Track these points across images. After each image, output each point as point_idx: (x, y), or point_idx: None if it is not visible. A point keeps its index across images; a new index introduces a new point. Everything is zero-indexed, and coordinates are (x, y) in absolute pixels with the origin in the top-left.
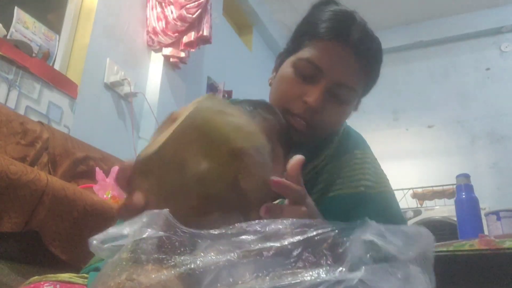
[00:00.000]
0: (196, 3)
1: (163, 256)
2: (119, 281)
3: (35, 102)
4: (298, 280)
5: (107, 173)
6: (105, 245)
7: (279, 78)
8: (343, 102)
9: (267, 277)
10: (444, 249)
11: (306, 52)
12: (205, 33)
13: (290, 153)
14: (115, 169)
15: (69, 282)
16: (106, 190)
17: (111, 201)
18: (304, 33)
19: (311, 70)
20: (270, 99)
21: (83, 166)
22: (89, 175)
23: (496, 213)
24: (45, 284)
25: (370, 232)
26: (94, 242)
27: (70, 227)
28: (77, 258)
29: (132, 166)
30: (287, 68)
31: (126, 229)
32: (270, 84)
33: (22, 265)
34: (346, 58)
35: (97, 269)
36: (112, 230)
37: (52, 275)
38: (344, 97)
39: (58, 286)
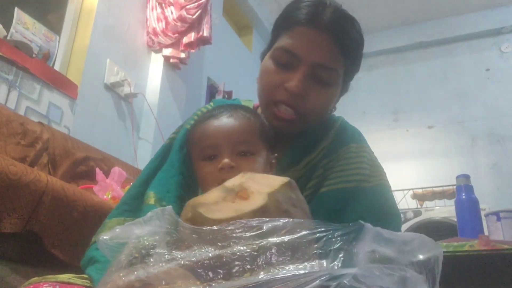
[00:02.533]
0: (196, 3)
1: (164, 251)
2: (126, 278)
3: (35, 102)
4: (292, 274)
5: (107, 173)
6: (112, 242)
7: (260, 72)
8: (326, 84)
9: (262, 272)
10: (444, 249)
11: (280, 42)
12: (205, 33)
13: (273, 148)
14: (115, 169)
15: (68, 283)
16: (106, 191)
17: (111, 201)
18: (279, 25)
19: (288, 57)
20: (258, 95)
21: (83, 167)
22: (89, 176)
23: (496, 213)
24: (44, 285)
25: (372, 241)
26: (102, 238)
27: (70, 228)
28: (76, 259)
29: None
30: (266, 60)
31: (133, 228)
32: (257, 83)
33: (22, 265)
34: (320, 40)
35: (91, 260)
36: (119, 229)
37: (52, 275)
38: (325, 79)
39: (57, 287)
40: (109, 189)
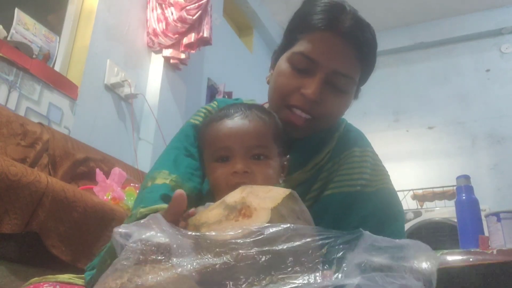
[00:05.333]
0: (197, 4)
1: (161, 257)
2: (119, 281)
3: (36, 103)
4: (294, 285)
5: (107, 174)
6: (122, 238)
7: (276, 74)
8: (342, 91)
9: (263, 282)
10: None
11: (299, 46)
12: (206, 34)
13: (286, 150)
14: (115, 170)
15: (68, 283)
16: (106, 192)
17: (111, 202)
18: (296, 27)
19: (306, 63)
20: (268, 95)
21: (83, 168)
22: (89, 177)
23: (496, 214)
24: (45, 285)
25: (364, 250)
26: (118, 230)
27: (70, 228)
28: (77, 259)
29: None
30: (283, 63)
31: (133, 231)
32: (268, 82)
33: (22, 266)
34: (339, 47)
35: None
36: (135, 226)
37: (52, 276)
38: (342, 86)
39: (58, 287)
40: (109, 190)
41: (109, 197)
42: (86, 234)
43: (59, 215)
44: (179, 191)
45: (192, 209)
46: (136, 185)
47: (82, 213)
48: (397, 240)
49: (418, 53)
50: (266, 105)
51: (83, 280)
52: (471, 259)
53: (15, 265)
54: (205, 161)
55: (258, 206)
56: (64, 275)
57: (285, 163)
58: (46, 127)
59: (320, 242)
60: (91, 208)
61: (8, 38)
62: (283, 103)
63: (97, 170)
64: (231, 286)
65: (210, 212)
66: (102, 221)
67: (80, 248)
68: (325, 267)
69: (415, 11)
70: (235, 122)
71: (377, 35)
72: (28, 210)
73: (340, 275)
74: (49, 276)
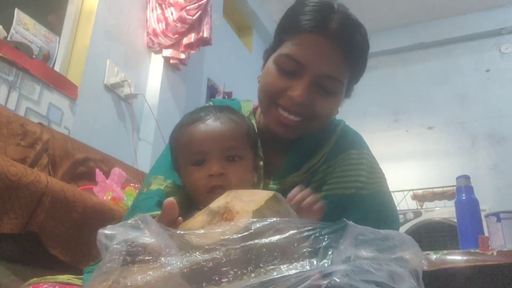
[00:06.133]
0: (196, 4)
1: (149, 258)
2: (106, 284)
3: (35, 103)
4: (284, 274)
5: (107, 174)
6: (107, 240)
7: (264, 74)
8: (330, 93)
9: (253, 274)
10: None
11: (286, 48)
12: (205, 34)
13: (258, 153)
14: (115, 170)
15: (67, 284)
16: (106, 192)
17: (111, 202)
18: (284, 28)
19: (293, 65)
20: (258, 95)
21: (83, 168)
22: (89, 177)
23: (496, 214)
24: (44, 285)
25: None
26: (103, 232)
27: (70, 229)
28: (76, 260)
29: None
30: (270, 65)
31: (119, 232)
32: (258, 82)
33: (21, 266)
34: (327, 49)
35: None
36: (121, 226)
37: (51, 276)
38: (330, 88)
39: (57, 287)
40: (109, 190)
41: (109, 197)
42: (86, 234)
43: (58, 215)
44: (169, 200)
45: (180, 218)
46: (136, 185)
47: (81, 213)
48: (382, 230)
49: (418, 53)
50: None
51: (82, 281)
52: (470, 260)
53: (15, 265)
54: (179, 165)
55: (241, 209)
56: (63, 276)
57: (259, 163)
58: (46, 127)
59: (306, 233)
60: (91, 208)
61: (8, 38)
62: (271, 103)
63: (97, 170)
64: (221, 280)
65: (195, 219)
66: (101, 221)
67: (79, 248)
68: (312, 257)
69: (415, 11)
70: (208, 125)
71: (377, 35)
72: (28, 210)
73: (327, 263)
74: (49, 276)
